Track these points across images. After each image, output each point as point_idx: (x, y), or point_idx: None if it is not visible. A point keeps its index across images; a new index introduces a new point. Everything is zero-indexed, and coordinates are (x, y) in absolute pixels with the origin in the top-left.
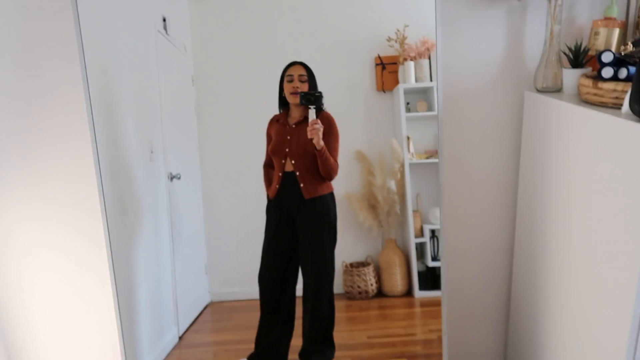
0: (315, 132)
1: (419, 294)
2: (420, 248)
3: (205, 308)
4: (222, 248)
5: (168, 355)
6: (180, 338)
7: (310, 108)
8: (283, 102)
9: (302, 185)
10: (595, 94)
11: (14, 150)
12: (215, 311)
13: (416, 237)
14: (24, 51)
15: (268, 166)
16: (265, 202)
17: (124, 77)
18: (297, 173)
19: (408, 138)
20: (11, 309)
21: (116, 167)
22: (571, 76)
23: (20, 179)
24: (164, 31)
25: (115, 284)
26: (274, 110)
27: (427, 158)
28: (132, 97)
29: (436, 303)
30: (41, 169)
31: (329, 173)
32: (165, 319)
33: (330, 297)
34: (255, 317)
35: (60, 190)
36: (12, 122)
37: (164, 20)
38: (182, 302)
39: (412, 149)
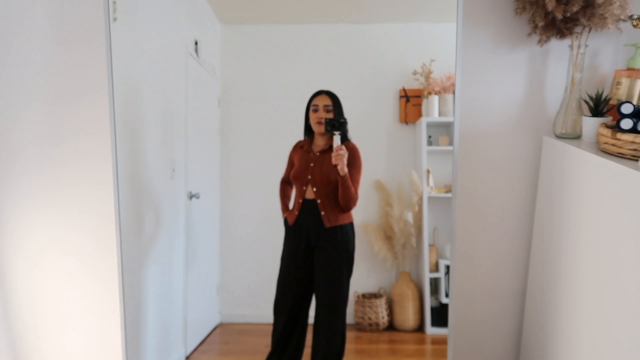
0: (340, 157)
1: (430, 330)
2: (435, 283)
3: (214, 329)
4: (236, 269)
5: None
6: (187, 358)
7: (335, 134)
8: (308, 130)
9: (323, 213)
10: (613, 145)
11: (37, 160)
12: (224, 332)
13: (431, 271)
14: (55, 74)
15: (285, 182)
16: (281, 225)
17: (152, 97)
18: (319, 201)
19: (428, 171)
20: (20, 314)
21: (137, 182)
22: (591, 124)
23: (40, 185)
24: (195, 54)
25: (124, 299)
26: (297, 136)
27: (447, 192)
28: (159, 116)
29: (447, 341)
30: (61, 178)
31: (348, 202)
32: (173, 338)
33: (342, 328)
34: (263, 341)
35: (77, 199)
36: (39, 135)
37: (196, 43)
38: (192, 321)
39: (431, 183)
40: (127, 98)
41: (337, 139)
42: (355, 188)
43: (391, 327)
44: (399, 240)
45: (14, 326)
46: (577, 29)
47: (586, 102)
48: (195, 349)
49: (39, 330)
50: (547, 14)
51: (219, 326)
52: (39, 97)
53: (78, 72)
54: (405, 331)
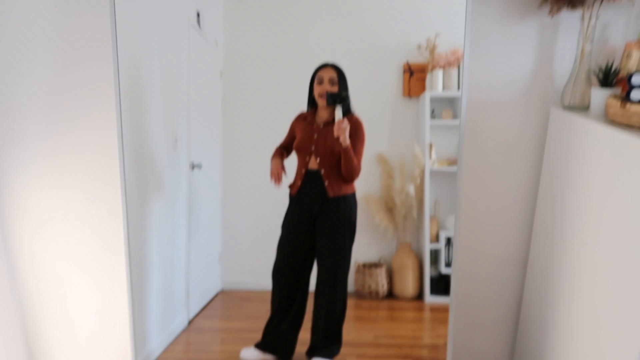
0: (342, 130)
1: (429, 298)
2: (435, 254)
3: (216, 295)
4: (237, 238)
5: (176, 338)
6: (189, 322)
7: (336, 107)
8: (312, 102)
9: (326, 183)
10: (622, 115)
11: (42, 126)
12: (225, 299)
13: (431, 242)
14: (60, 43)
15: (282, 148)
16: (282, 195)
17: (155, 69)
18: (322, 171)
19: (431, 145)
20: (25, 277)
21: (140, 152)
22: (599, 96)
23: (45, 154)
24: (197, 26)
25: (130, 264)
26: (299, 107)
27: (449, 165)
28: (162, 87)
29: (446, 309)
30: (66, 143)
31: (351, 173)
32: (176, 303)
33: (344, 295)
34: (264, 307)
35: (83, 164)
36: (44, 101)
37: (198, 15)
38: (194, 287)
39: (433, 156)
40: (130, 67)
41: (339, 112)
42: (358, 159)
43: (390, 295)
44: (400, 212)
45: (20, 289)
46: (589, 1)
47: (596, 73)
48: (198, 314)
49: (45, 294)
50: None
51: (221, 293)
52: (45, 64)
53: (83, 40)
54: (404, 299)
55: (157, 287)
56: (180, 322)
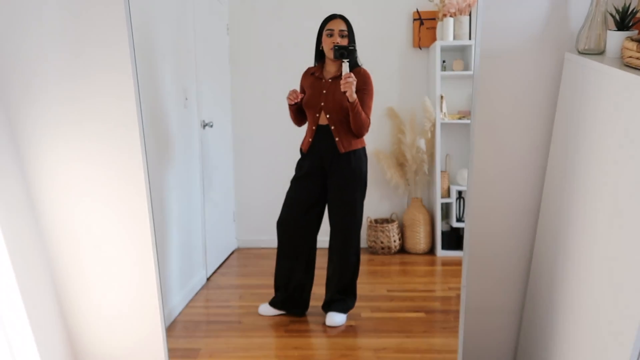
0: (349, 85)
1: (441, 253)
2: (446, 208)
3: (232, 253)
4: (251, 196)
5: (196, 294)
6: (207, 279)
7: (343, 61)
8: (319, 56)
9: (337, 139)
10: (638, 58)
11: (62, 91)
12: (241, 257)
13: (442, 197)
14: (75, 2)
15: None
16: (294, 152)
17: (161, 25)
18: (332, 127)
19: (442, 97)
20: (59, 242)
21: (153, 112)
22: (615, 38)
23: (66, 117)
24: None
25: (153, 222)
26: (308, 61)
27: (460, 118)
28: (169, 44)
29: (457, 263)
30: (85, 110)
31: (360, 129)
32: (194, 261)
33: (357, 249)
34: None
35: (104, 130)
36: (62, 68)
37: None
38: (211, 246)
39: (444, 109)
40: (140, 24)
41: (345, 66)
42: (367, 113)
43: (403, 250)
44: (411, 167)
45: (48, 249)
46: None
47: (612, 15)
48: (215, 272)
49: (73, 253)
50: None
51: (236, 251)
52: (60, 26)
53: (97, 7)
54: (416, 254)
55: (177, 245)
56: (199, 279)
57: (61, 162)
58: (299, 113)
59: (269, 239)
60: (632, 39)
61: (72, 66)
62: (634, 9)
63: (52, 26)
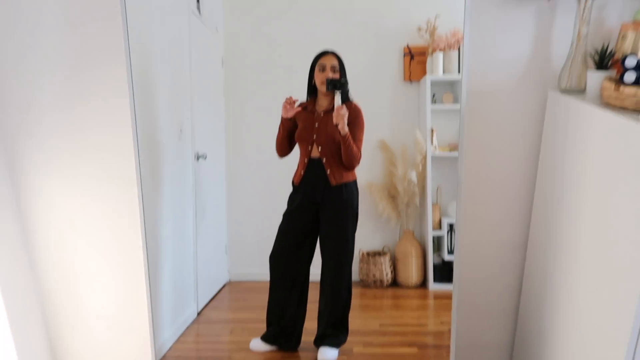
0: (341, 117)
1: (433, 286)
2: (438, 241)
3: (223, 287)
4: (243, 229)
5: (187, 329)
6: (198, 314)
7: (336, 93)
8: (311, 90)
9: (329, 171)
10: (616, 97)
11: (59, 122)
12: (233, 290)
13: (434, 229)
14: (73, 38)
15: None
16: (287, 185)
17: (159, 58)
18: (324, 159)
19: (432, 130)
20: (51, 275)
21: (148, 144)
22: (595, 78)
23: (62, 149)
24: (197, 12)
25: (147, 256)
26: (301, 94)
27: (450, 151)
28: (166, 76)
29: (450, 296)
30: (82, 142)
31: (351, 161)
32: (186, 294)
33: (348, 283)
34: None
35: (100, 162)
36: (59, 100)
37: (198, 1)
38: (202, 279)
39: (435, 142)
40: (139, 58)
41: (338, 99)
42: (358, 147)
43: (395, 283)
44: (403, 199)
45: (40, 282)
46: None
47: (592, 56)
48: (207, 306)
49: (64, 286)
50: None
51: (228, 284)
52: (59, 62)
53: (95, 35)
54: (408, 287)
55: (169, 278)
56: (190, 313)
57: (56, 195)
58: (287, 138)
59: (261, 272)
60: (610, 79)
61: (70, 98)
62: (611, 50)
63: (49, 58)
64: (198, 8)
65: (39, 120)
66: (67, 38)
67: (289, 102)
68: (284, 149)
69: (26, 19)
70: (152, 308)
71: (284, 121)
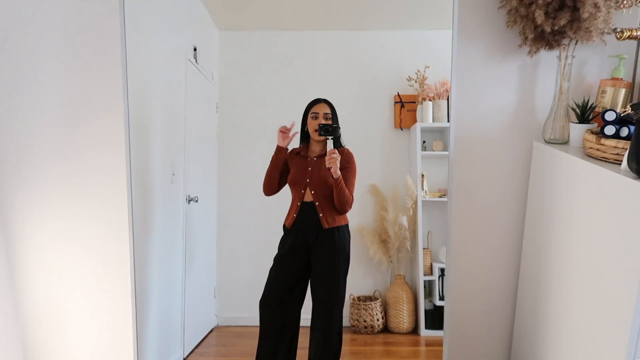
0: (333, 160)
1: (425, 332)
2: (429, 286)
3: (211, 331)
4: (233, 272)
5: None
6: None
7: (328, 139)
8: (304, 137)
9: (321, 214)
10: (598, 149)
11: (54, 168)
12: (221, 335)
13: (425, 274)
14: (71, 81)
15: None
16: (277, 230)
17: (155, 103)
18: (317, 203)
19: (422, 176)
20: (34, 310)
21: (141, 189)
22: (577, 130)
23: (55, 194)
24: (194, 60)
25: (136, 304)
26: (293, 142)
27: (441, 196)
28: (161, 121)
29: (441, 343)
30: (75, 188)
31: (343, 204)
32: (172, 340)
33: (339, 328)
34: None
35: (92, 197)
36: (55, 146)
37: (195, 49)
38: (189, 323)
39: (425, 187)
40: (136, 100)
41: (330, 144)
42: (350, 191)
43: (386, 329)
44: (394, 243)
45: (22, 316)
46: (565, 41)
47: (573, 109)
48: (193, 351)
49: (47, 322)
50: (536, 27)
51: (216, 329)
52: (56, 94)
53: (94, 74)
54: (400, 333)
55: (155, 323)
56: (176, 359)
57: (46, 239)
58: (277, 171)
59: (250, 316)
60: (592, 132)
61: (65, 145)
62: (592, 104)
63: (47, 105)
64: (195, 57)
65: (32, 164)
66: (66, 85)
67: (284, 129)
68: (272, 184)
69: (26, 65)
70: (138, 355)
71: (278, 151)
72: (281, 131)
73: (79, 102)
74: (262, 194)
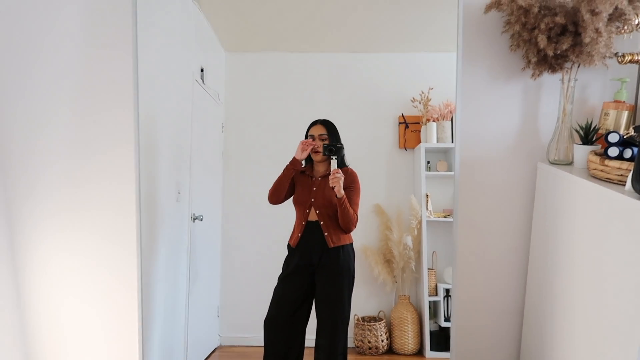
0: (337, 180)
1: (430, 354)
2: (434, 307)
3: (213, 351)
4: (236, 292)
5: None
6: None
7: (332, 159)
8: (309, 158)
9: (326, 233)
10: (602, 170)
11: (62, 179)
12: (223, 355)
13: (430, 295)
14: (84, 92)
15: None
16: (281, 249)
17: (163, 123)
18: (322, 222)
19: (427, 196)
20: (44, 335)
21: (147, 206)
22: (581, 152)
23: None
24: (200, 81)
25: (142, 321)
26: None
27: (445, 217)
28: (168, 140)
29: None
30: (84, 201)
31: (348, 224)
32: (175, 359)
33: (344, 348)
34: None
35: (100, 223)
36: (67, 156)
37: (202, 70)
38: (192, 343)
39: (430, 207)
40: (146, 121)
41: (333, 163)
42: (355, 210)
43: (391, 350)
44: (399, 264)
45: (31, 342)
46: (567, 65)
47: (577, 131)
48: None
49: (56, 349)
50: (539, 50)
51: (218, 348)
52: (66, 120)
53: (105, 95)
54: (404, 355)
55: (159, 343)
56: None
57: (52, 250)
58: (289, 182)
59: (253, 336)
60: (595, 153)
61: (74, 157)
62: (595, 126)
63: (59, 117)
64: (202, 77)
65: (41, 175)
66: (78, 100)
67: (309, 143)
68: (279, 192)
69: (40, 81)
70: None
71: (294, 162)
72: (302, 143)
73: (90, 119)
74: (267, 214)
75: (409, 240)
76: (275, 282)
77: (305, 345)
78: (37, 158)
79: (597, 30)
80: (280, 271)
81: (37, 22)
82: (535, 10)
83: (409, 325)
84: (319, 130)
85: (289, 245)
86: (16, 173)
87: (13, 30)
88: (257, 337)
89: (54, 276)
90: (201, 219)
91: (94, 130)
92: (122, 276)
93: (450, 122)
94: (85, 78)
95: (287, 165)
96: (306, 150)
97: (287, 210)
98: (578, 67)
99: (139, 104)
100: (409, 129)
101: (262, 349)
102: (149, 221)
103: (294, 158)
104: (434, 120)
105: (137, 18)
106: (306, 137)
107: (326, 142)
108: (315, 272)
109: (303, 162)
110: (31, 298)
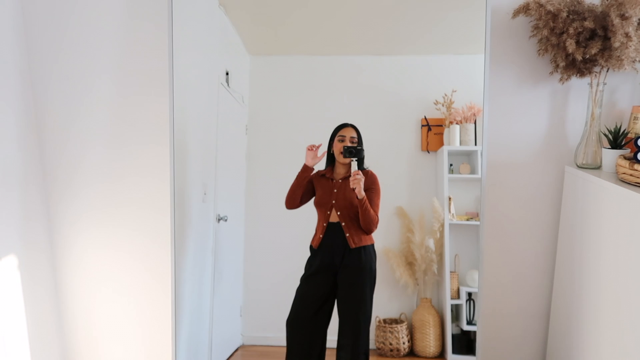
0: (357, 181)
1: (451, 357)
2: (456, 310)
3: (236, 350)
4: (259, 291)
5: None
6: None
7: (353, 160)
8: (329, 159)
9: (347, 234)
10: (631, 175)
11: (100, 176)
12: (246, 354)
13: (452, 298)
14: (120, 96)
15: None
16: (303, 250)
17: (192, 124)
18: (343, 223)
19: (449, 198)
20: (80, 331)
21: (177, 205)
22: (610, 156)
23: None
24: (226, 84)
25: (175, 318)
26: (319, 164)
27: (468, 220)
28: (196, 142)
29: None
30: (120, 198)
31: (369, 225)
32: (200, 358)
33: (366, 348)
34: None
35: (135, 219)
36: (105, 153)
37: (227, 73)
38: (216, 342)
39: (452, 210)
40: (178, 123)
41: (354, 165)
42: (375, 211)
43: (412, 353)
44: (421, 266)
45: (67, 338)
46: (596, 69)
47: (605, 135)
48: None
49: (91, 343)
50: (567, 55)
51: (241, 348)
52: (102, 120)
53: (140, 105)
54: (426, 357)
55: (186, 341)
56: None
57: (89, 245)
58: (302, 188)
59: (275, 336)
60: (625, 157)
61: (112, 158)
62: (624, 130)
63: (98, 120)
64: (227, 80)
65: (79, 173)
66: (115, 103)
67: (312, 147)
68: (294, 199)
69: (78, 84)
70: None
71: (305, 169)
72: (309, 149)
73: (126, 117)
74: (289, 215)
75: (431, 243)
76: (297, 283)
77: (327, 346)
78: (74, 154)
79: (627, 35)
80: (303, 272)
81: (79, 19)
82: (564, 15)
83: (431, 328)
84: (351, 133)
85: (311, 246)
86: (56, 171)
87: (56, 29)
88: (279, 336)
89: (90, 267)
90: (226, 220)
91: (129, 128)
92: (157, 273)
93: (473, 124)
94: (123, 76)
95: (299, 173)
96: (315, 155)
97: (309, 212)
98: (607, 71)
99: (174, 103)
100: (432, 132)
101: (284, 348)
102: (179, 220)
103: (305, 165)
104: (457, 123)
105: (172, 23)
106: (333, 138)
107: (355, 144)
108: (338, 272)
109: (315, 168)
110: (67, 290)
